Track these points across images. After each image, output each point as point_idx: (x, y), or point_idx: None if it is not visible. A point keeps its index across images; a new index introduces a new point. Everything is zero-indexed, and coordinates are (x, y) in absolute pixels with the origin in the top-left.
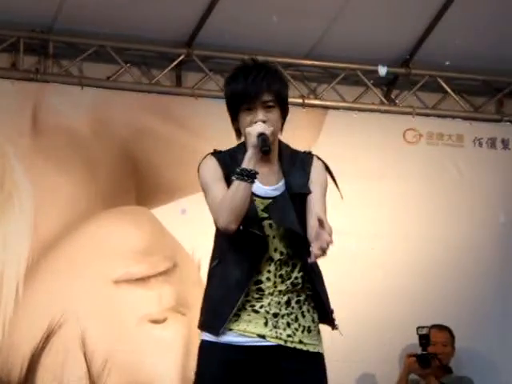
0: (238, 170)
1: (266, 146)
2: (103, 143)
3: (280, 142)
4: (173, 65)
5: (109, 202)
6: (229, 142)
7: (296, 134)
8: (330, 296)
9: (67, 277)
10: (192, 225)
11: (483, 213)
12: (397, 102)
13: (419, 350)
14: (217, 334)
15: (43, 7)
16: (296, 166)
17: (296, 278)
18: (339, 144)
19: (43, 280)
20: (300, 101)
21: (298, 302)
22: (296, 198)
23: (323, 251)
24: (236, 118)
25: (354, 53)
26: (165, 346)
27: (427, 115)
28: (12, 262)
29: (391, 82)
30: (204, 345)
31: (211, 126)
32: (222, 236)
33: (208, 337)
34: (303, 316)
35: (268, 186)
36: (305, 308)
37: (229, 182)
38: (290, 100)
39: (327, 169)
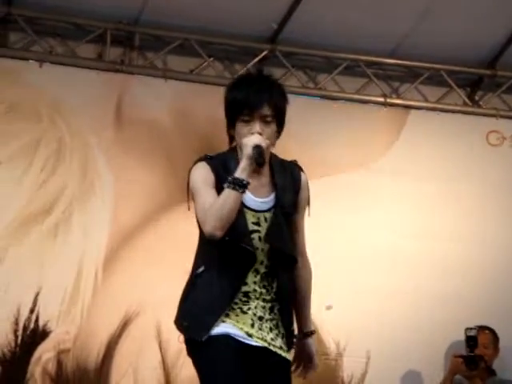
0: (230, 178)
1: (260, 158)
2: (184, 136)
3: (271, 153)
4: (256, 60)
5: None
6: (310, 137)
7: (377, 133)
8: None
9: (144, 266)
10: None
11: None
12: (481, 103)
13: (463, 351)
14: (201, 339)
15: (130, 0)
16: (287, 180)
17: (276, 290)
18: (420, 144)
19: (121, 269)
20: (382, 100)
21: (278, 309)
22: (285, 215)
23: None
24: (233, 125)
25: (438, 52)
26: None
27: None
28: (92, 249)
29: (476, 83)
30: (205, 341)
31: (292, 122)
32: (210, 244)
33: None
34: (282, 323)
35: (259, 198)
36: (282, 317)
37: (219, 190)
38: (372, 98)
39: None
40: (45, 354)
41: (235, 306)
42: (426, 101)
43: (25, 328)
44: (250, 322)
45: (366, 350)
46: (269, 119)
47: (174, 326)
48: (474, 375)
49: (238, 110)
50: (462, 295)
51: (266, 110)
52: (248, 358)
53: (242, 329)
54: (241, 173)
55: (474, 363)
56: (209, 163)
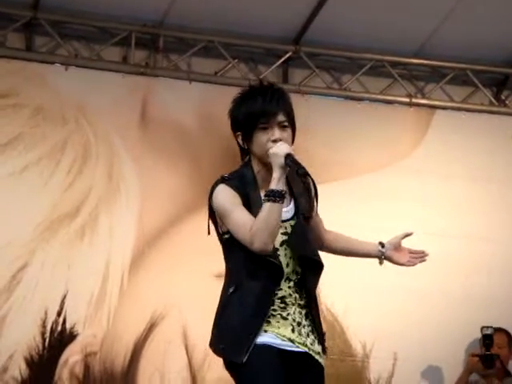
0: (268, 192)
1: (302, 168)
2: (209, 138)
3: None
4: (280, 61)
5: None
6: (335, 138)
7: (402, 133)
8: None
9: (170, 269)
10: None
11: None
12: (507, 102)
13: (478, 350)
14: (241, 360)
15: (155, 2)
16: (300, 185)
17: (306, 296)
18: (446, 144)
19: (147, 271)
20: (407, 100)
21: (312, 315)
22: (305, 220)
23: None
24: (249, 136)
25: (463, 52)
26: None
27: None
28: (118, 252)
29: (501, 83)
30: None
31: (317, 123)
32: (237, 262)
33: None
34: (316, 329)
35: (283, 207)
36: (315, 323)
37: (246, 206)
38: (397, 99)
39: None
40: (72, 356)
41: (275, 313)
42: (452, 101)
43: (52, 331)
44: (290, 327)
45: (393, 352)
46: (285, 124)
47: (199, 329)
48: (491, 374)
49: (255, 119)
50: (486, 295)
51: (282, 117)
52: (288, 364)
53: (284, 336)
54: (277, 183)
55: (491, 362)
56: (228, 184)
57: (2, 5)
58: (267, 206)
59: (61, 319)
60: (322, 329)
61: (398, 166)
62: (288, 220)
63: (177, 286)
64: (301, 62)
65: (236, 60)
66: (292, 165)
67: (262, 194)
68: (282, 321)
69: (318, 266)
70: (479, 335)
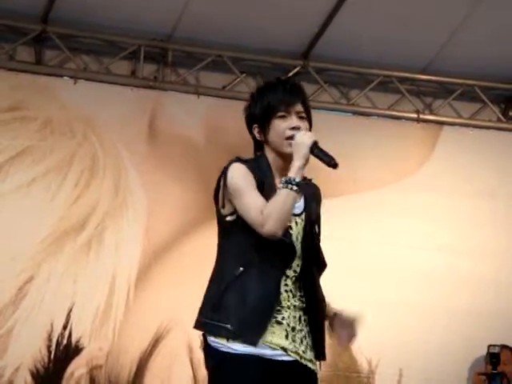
0: (286, 179)
1: (333, 159)
2: (217, 152)
3: None
4: (288, 76)
5: None
6: (342, 153)
7: (409, 149)
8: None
9: (176, 283)
10: None
11: None
12: None
13: (483, 367)
14: (255, 345)
15: (164, 17)
16: (309, 189)
17: (301, 296)
18: (454, 160)
19: (153, 285)
20: (415, 116)
21: (305, 320)
22: (311, 222)
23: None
24: (266, 126)
25: (471, 68)
26: None
27: None
28: (124, 266)
29: (509, 99)
30: (237, 356)
31: (324, 138)
32: (243, 244)
33: (239, 349)
34: (309, 335)
35: None
36: (309, 328)
37: (259, 190)
38: (405, 115)
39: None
40: (77, 369)
41: None
42: (460, 117)
43: (58, 344)
44: (285, 333)
45: (399, 368)
46: (303, 115)
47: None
48: None
49: (274, 107)
50: (492, 311)
51: (300, 107)
52: (277, 374)
53: (277, 345)
54: (296, 172)
55: (498, 381)
56: (245, 165)
57: (11, 18)
58: (284, 192)
59: (67, 332)
60: (321, 332)
61: (404, 183)
62: (295, 215)
63: (182, 300)
64: (309, 77)
65: (244, 74)
66: (321, 155)
67: (277, 182)
68: (276, 325)
69: (321, 265)
70: (484, 352)
